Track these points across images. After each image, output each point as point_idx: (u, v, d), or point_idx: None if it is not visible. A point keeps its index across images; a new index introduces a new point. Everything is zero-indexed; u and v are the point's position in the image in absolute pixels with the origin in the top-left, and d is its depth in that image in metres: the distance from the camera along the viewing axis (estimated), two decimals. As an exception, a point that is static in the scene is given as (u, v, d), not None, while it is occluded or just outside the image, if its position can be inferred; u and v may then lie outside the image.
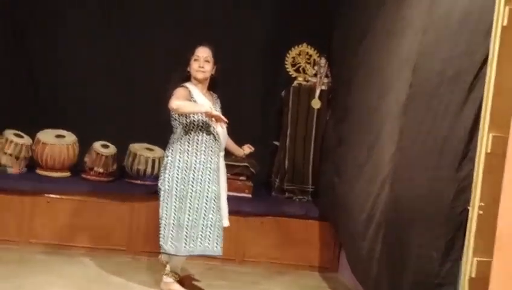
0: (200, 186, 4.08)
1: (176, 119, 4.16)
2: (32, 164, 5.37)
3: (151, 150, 5.48)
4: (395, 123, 3.80)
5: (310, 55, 5.94)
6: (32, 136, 5.35)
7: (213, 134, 4.18)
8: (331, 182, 5.06)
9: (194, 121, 4.12)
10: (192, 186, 4.07)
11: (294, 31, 6.02)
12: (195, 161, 4.09)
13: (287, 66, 5.92)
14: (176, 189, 4.06)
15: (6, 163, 5.21)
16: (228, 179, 5.41)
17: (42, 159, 5.27)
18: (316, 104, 5.71)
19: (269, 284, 4.70)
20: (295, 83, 5.85)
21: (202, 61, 4.20)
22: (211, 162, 4.15)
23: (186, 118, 4.11)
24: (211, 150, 4.17)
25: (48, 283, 4.09)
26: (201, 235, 4.07)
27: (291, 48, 5.91)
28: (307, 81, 5.86)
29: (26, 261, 4.53)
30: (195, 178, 4.08)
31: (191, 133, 4.12)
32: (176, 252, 4.05)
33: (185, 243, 4.03)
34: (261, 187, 5.81)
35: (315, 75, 5.84)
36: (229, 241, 5.06)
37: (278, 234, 5.20)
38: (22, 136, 5.33)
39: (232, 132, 5.96)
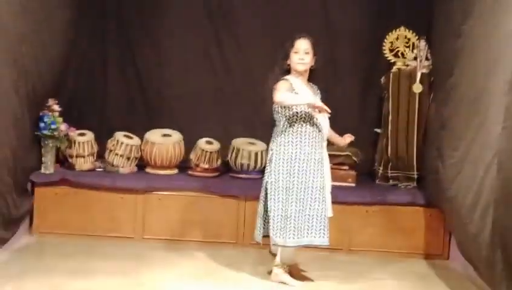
0: (305, 177, 4.12)
1: (278, 112, 4.22)
2: (141, 163, 5.62)
3: (253, 144, 5.59)
4: (501, 102, 3.68)
5: (409, 39, 5.81)
6: (141, 136, 5.60)
7: (316, 125, 4.22)
8: (435, 167, 4.95)
9: (297, 112, 4.17)
10: (298, 177, 4.12)
11: (391, 15, 5.94)
12: (300, 153, 4.14)
13: (385, 52, 5.83)
14: (282, 181, 4.13)
15: (118, 163, 5.48)
16: (331, 168, 5.45)
17: (151, 158, 5.50)
18: (417, 88, 5.58)
19: (378, 273, 4.66)
20: (394, 68, 5.75)
21: (302, 53, 4.23)
22: (314, 153, 4.19)
23: (289, 110, 4.18)
24: (315, 141, 4.21)
25: (166, 278, 4.25)
26: (308, 225, 4.11)
27: (388, 32, 5.81)
28: (407, 65, 5.74)
29: (142, 257, 4.74)
30: (300, 169, 4.13)
31: (294, 125, 4.17)
32: (284, 243, 4.12)
33: (293, 234, 4.09)
34: (365, 176, 5.77)
35: (415, 58, 5.71)
36: (335, 231, 5.08)
37: (384, 222, 5.15)
38: (131, 137, 5.59)
39: (332, 122, 6.00)
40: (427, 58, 5.64)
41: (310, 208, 4.12)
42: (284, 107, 4.17)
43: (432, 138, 5.26)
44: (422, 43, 5.66)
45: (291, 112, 4.18)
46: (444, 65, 5.06)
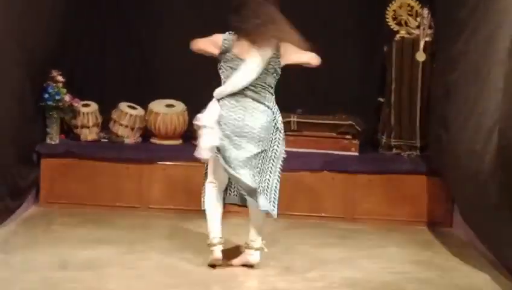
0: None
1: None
2: (146, 133, 5.65)
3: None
4: (501, 69, 3.70)
5: (412, 7, 5.79)
6: (145, 107, 5.62)
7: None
8: (438, 135, 4.98)
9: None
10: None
11: (393, -17, 5.89)
12: None
13: (388, 20, 5.80)
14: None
15: (122, 134, 5.52)
16: (334, 138, 5.52)
17: (155, 128, 5.54)
18: (420, 56, 5.57)
19: (382, 240, 4.72)
20: (397, 36, 5.73)
21: None
22: None
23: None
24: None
25: (171, 246, 4.32)
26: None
27: (391, 1, 5.79)
28: (410, 34, 5.72)
29: (148, 226, 4.81)
30: None
31: None
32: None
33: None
34: (368, 145, 5.79)
35: (418, 27, 5.69)
36: (338, 200, 5.18)
37: (387, 191, 5.20)
38: (135, 108, 5.62)
39: (335, 91, 6.04)
40: (430, 27, 5.63)
41: None
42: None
43: (435, 106, 5.28)
44: (426, 12, 5.64)
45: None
46: (448, 34, 5.05)
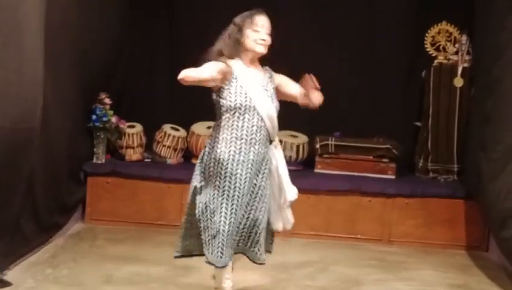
0: None
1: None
2: (188, 154, 5.84)
3: (295, 136, 5.74)
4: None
5: (450, 33, 5.87)
6: (187, 129, 5.81)
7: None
8: (477, 161, 5.00)
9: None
10: None
11: (432, 9, 6.00)
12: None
13: (426, 46, 5.90)
14: None
15: (165, 154, 5.71)
16: (371, 161, 5.61)
17: (197, 149, 5.70)
18: (458, 82, 5.64)
19: (418, 263, 4.77)
20: (436, 62, 5.82)
21: (265, 33, 3.41)
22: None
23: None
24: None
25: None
26: None
27: (430, 26, 5.89)
28: (448, 59, 5.80)
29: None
30: None
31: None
32: None
33: None
34: (404, 168, 5.86)
35: (456, 53, 5.77)
36: (375, 222, 5.24)
37: (423, 214, 5.25)
38: (178, 129, 5.81)
39: (373, 114, 6.13)
40: (468, 53, 5.70)
41: None
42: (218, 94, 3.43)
43: (474, 131, 5.30)
44: (464, 38, 5.72)
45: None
46: (486, 59, 5.10)
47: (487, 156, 4.79)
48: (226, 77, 3.36)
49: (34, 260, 4.26)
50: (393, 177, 5.58)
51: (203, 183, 3.53)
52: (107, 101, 5.46)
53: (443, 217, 5.22)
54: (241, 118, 3.38)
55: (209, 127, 5.73)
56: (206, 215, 3.44)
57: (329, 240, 5.19)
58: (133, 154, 5.70)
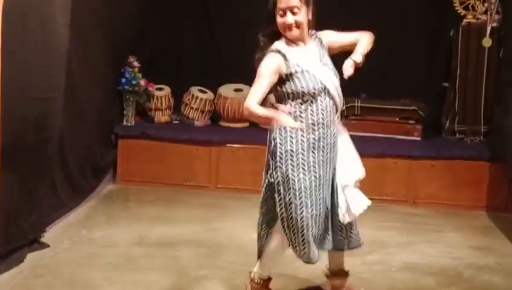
0: None
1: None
2: (215, 116, 5.93)
3: (321, 98, 5.77)
4: None
5: (480, -9, 5.78)
6: (214, 91, 5.89)
7: None
8: (500, 122, 5.02)
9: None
10: None
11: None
12: None
13: (455, 4, 5.83)
14: None
15: (193, 116, 5.81)
16: (397, 122, 5.63)
17: (224, 111, 5.80)
18: (487, 42, 5.59)
19: (442, 225, 4.84)
20: (464, 21, 5.76)
21: (289, 15, 3.00)
22: None
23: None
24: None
25: (239, 225, 4.57)
26: None
27: (459, -15, 5.81)
28: (477, 19, 5.74)
29: (217, 206, 5.09)
30: None
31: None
32: None
33: None
34: (431, 129, 5.87)
35: (485, 12, 5.69)
36: (400, 184, 5.30)
37: (449, 176, 5.27)
38: (205, 92, 5.89)
39: (400, 74, 6.11)
40: (497, 12, 5.62)
41: None
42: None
43: (500, 93, 5.30)
44: (493, -3, 5.63)
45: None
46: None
47: (510, 119, 4.79)
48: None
49: (69, 222, 4.46)
50: (419, 139, 5.61)
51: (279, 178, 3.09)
52: (136, 64, 5.55)
53: (468, 178, 5.24)
54: (314, 102, 3.03)
55: (236, 90, 5.82)
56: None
57: (354, 201, 5.26)
58: (162, 117, 5.81)
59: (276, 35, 3.08)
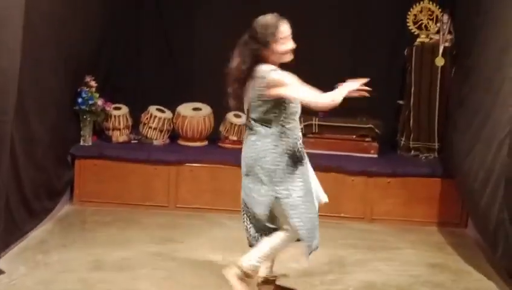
0: None
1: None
2: (174, 135, 5.92)
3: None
4: None
5: (432, 12, 5.93)
6: (173, 110, 5.88)
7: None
8: (450, 139, 5.15)
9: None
10: None
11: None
12: None
13: (408, 24, 5.96)
14: None
15: (151, 136, 5.79)
16: (353, 140, 5.72)
17: (182, 130, 5.79)
18: (439, 61, 5.73)
19: (398, 242, 4.92)
20: (418, 41, 5.89)
21: (291, 40, 3.44)
22: None
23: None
24: None
25: (199, 245, 4.58)
26: None
27: (412, 5, 5.94)
28: (430, 38, 5.87)
29: (176, 226, 5.07)
30: None
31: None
32: None
33: None
34: (387, 146, 5.97)
35: (438, 32, 5.84)
36: (357, 201, 5.38)
37: (404, 193, 5.38)
38: (163, 111, 5.87)
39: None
40: (450, 32, 5.77)
41: None
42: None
43: (451, 112, 5.44)
44: (446, 17, 5.79)
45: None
46: (465, 41, 5.20)
47: (460, 136, 4.93)
48: None
49: (25, 246, 4.37)
50: (375, 156, 5.70)
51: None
52: (93, 84, 5.49)
53: (422, 195, 5.35)
54: (296, 120, 3.54)
55: (194, 109, 5.82)
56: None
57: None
58: (120, 136, 5.77)
59: (260, 60, 3.38)
